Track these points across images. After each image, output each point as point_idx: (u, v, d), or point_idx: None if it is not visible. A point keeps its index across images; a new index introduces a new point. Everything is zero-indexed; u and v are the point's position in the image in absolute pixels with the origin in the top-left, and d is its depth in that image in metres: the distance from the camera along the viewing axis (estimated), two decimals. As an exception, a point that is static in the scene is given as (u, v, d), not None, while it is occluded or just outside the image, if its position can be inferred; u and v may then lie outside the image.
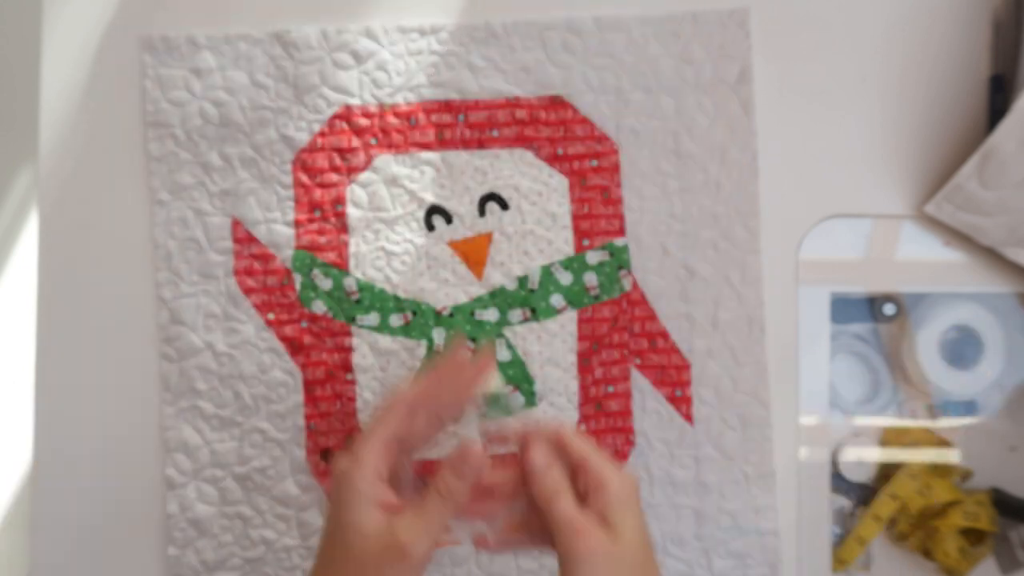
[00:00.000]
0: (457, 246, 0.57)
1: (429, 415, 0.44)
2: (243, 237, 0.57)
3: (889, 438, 0.61)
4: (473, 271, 0.57)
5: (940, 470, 0.60)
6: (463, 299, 0.57)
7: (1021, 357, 0.61)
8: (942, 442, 0.61)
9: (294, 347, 0.57)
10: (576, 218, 0.57)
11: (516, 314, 0.57)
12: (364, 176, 0.57)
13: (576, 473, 0.42)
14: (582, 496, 0.41)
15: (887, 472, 0.60)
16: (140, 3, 0.58)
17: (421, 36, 0.58)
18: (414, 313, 0.57)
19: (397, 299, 0.57)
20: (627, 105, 0.58)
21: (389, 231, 0.57)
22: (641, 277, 0.57)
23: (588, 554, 0.38)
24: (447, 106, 0.57)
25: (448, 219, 0.57)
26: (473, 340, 0.57)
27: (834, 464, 0.61)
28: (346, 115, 0.57)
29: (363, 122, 0.57)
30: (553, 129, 0.58)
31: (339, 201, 0.57)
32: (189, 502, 0.57)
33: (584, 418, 0.57)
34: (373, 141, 0.57)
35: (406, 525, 0.39)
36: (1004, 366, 0.60)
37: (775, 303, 0.58)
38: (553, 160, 0.58)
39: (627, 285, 0.57)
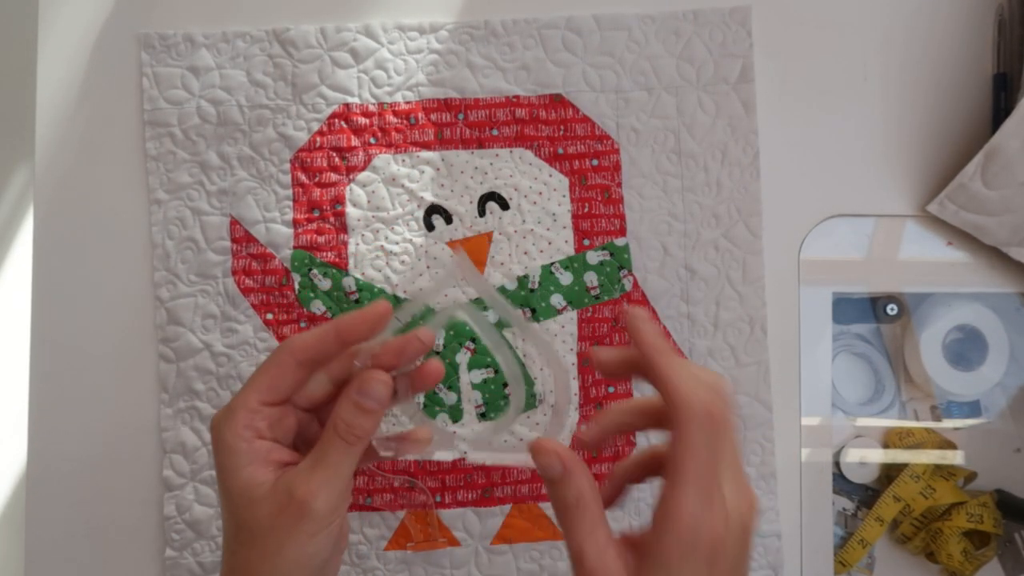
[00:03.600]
0: (457, 246, 0.57)
1: (328, 374, 0.36)
2: (241, 237, 0.57)
3: (892, 439, 0.61)
4: (473, 271, 0.57)
5: (943, 472, 0.59)
6: (463, 299, 0.57)
7: (1025, 358, 0.61)
8: (945, 443, 0.60)
9: (292, 347, 0.56)
10: (576, 217, 0.57)
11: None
12: (363, 175, 0.57)
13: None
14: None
15: (890, 473, 0.60)
16: (137, 0, 0.58)
17: (420, 34, 0.57)
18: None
19: (396, 299, 0.56)
20: (628, 104, 0.57)
21: (388, 231, 0.57)
22: (642, 277, 0.57)
23: None
24: (447, 105, 0.57)
25: (448, 219, 0.57)
26: (473, 340, 0.56)
27: (836, 465, 0.60)
28: (345, 114, 0.57)
29: (362, 121, 0.57)
30: (553, 128, 0.57)
31: (338, 200, 0.57)
32: (187, 504, 0.56)
33: (584, 419, 0.56)
34: (372, 140, 0.57)
35: (302, 477, 0.32)
36: (1008, 366, 0.60)
37: (777, 303, 0.58)
38: (553, 159, 0.57)
39: (628, 285, 0.57)
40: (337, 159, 0.57)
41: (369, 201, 0.57)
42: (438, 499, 0.56)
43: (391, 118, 0.57)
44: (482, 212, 0.57)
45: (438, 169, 0.57)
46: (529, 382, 0.56)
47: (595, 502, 0.32)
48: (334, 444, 0.33)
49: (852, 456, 0.60)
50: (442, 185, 0.57)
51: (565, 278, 0.57)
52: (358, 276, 0.56)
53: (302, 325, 0.56)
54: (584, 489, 0.32)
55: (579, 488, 0.32)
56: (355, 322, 0.34)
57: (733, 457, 0.31)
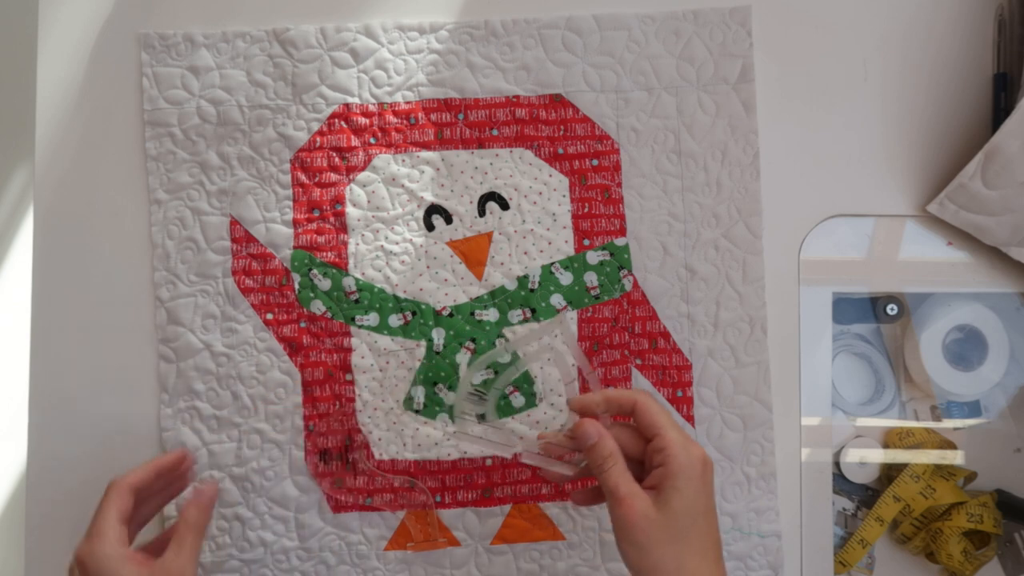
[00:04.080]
0: (457, 246, 0.57)
1: (157, 498, 0.51)
2: (241, 237, 0.57)
3: (892, 439, 0.61)
4: (473, 271, 0.57)
5: (944, 472, 0.59)
6: (463, 299, 0.57)
7: (1025, 358, 0.61)
8: (945, 443, 0.60)
9: (293, 347, 0.56)
10: (576, 217, 0.57)
11: (516, 314, 0.57)
12: (363, 175, 0.57)
13: (651, 440, 0.46)
14: (650, 460, 0.46)
15: (890, 473, 0.60)
16: (137, 0, 0.58)
17: (420, 34, 0.57)
18: (413, 313, 0.56)
19: (396, 299, 0.56)
20: (628, 104, 0.57)
21: (388, 231, 0.57)
22: (642, 277, 0.57)
23: (627, 521, 0.43)
24: (447, 105, 0.57)
25: (448, 219, 0.57)
26: (473, 340, 0.56)
27: (836, 465, 0.60)
28: (345, 114, 0.57)
29: (362, 121, 0.57)
30: (553, 128, 0.57)
31: (338, 200, 0.57)
32: (186, 504, 0.56)
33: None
34: (372, 140, 0.57)
35: (171, 558, 0.46)
36: (1008, 366, 0.60)
37: (777, 303, 0.58)
38: (553, 159, 0.57)
39: (628, 285, 0.57)
40: (337, 159, 0.57)
41: (369, 201, 0.57)
42: (438, 499, 0.56)
43: (391, 118, 0.57)
44: (482, 212, 0.57)
45: (438, 169, 0.57)
46: (529, 380, 0.56)
47: (621, 457, 0.45)
48: (186, 530, 0.47)
49: (852, 456, 0.60)
50: (442, 185, 0.57)
51: (565, 278, 0.57)
52: (358, 276, 0.56)
53: (302, 325, 0.56)
54: (613, 447, 0.45)
55: (610, 446, 0.45)
56: (166, 467, 0.51)
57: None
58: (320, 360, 0.56)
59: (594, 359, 0.57)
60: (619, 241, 0.57)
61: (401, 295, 0.57)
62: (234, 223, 0.57)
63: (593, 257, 0.57)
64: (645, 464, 0.46)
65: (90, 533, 0.46)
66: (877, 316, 0.61)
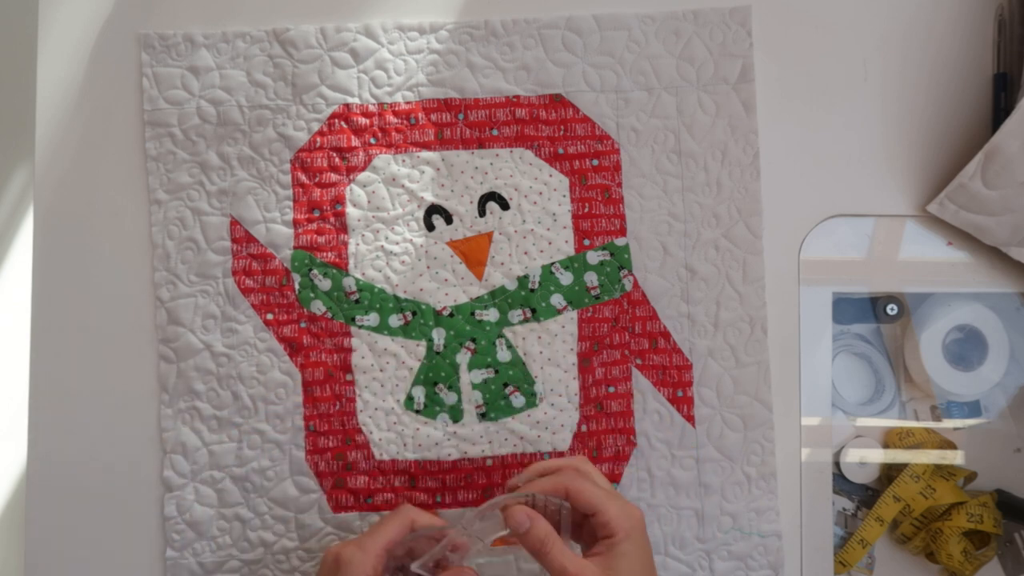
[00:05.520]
0: (457, 246, 0.57)
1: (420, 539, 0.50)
2: (241, 237, 0.57)
3: (892, 439, 0.61)
4: (473, 271, 0.57)
5: (943, 472, 0.59)
6: (463, 299, 0.57)
7: (1025, 357, 0.61)
8: (945, 443, 0.60)
9: (293, 348, 0.56)
10: (576, 217, 0.57)
11: (516, 314, 0.57)
12: (363, 176, 0.57)
13: (587, 515, 0.46)
14: (592, 534, 0.46)
15: (890, 473, 0.60)
16: (137, 0, 0.58)
17: (420, 35, 0.57)
18: (414, 313, 0.56)
19: (397, 299, 0.56)
20: (628, 104, 0.57)
21: (388, 231, 0.57)
22: (642, 277, 0.57)
23: None
24: (447, 105, 0.57)
25: (448, 219, 0.57)
26: (473, 340, 0.56)
27: (836, 465, 0.61)
28: (345, 114, 0.57)
29: (362, 121, 0.57)
30: (553, 128, 0.57)
31: (338, 201, 0.57)
32: (187, 504, 0.56)
33: (585, 419, 0.56)
34: (372, 140, 0.57)
35: None
36: (1008, 366, 0.60)
37: (777, 303, 0.58)
38: (553, 159, 0.57)
39: (628, 285, 0.57)
40: (337, 159, 0.57)
41: (369, 201, 0.57)
42: (438, 499, 0.56)
43: (391, 118, 0.57)
44: (482, 212, 0.57)
45: (438, 169, 0.57)
46: (529, 380, 0.56)
47: (556, 535, 0.45)
48: None
49: (852, 456, 0.60)
50: (442, 185, 0.57)
51: (565, 278, 0.57)
52: (358, 276, 0.57)
53: (302, 325, 0.56)
54: (548, 528, 0.45)
55: (544, 528, 0.45)
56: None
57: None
58: (320, 360, 0.56)
59: (594, 359, 0.57)
60: (619, 241, 0.57)
61: (401, 295, 0.57)
62: (234, 223, 0.57)
63: (593, 257, 0.57)
64: (584, 527, 0.47)
65: (361, 540, 0.47)
66: (877, 316, 0.61)
